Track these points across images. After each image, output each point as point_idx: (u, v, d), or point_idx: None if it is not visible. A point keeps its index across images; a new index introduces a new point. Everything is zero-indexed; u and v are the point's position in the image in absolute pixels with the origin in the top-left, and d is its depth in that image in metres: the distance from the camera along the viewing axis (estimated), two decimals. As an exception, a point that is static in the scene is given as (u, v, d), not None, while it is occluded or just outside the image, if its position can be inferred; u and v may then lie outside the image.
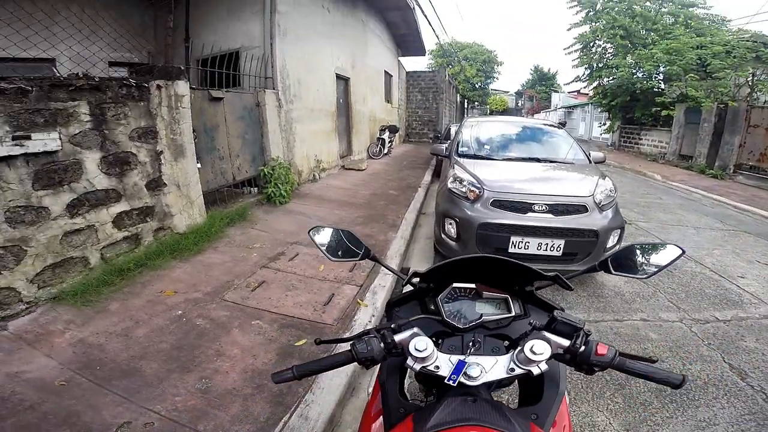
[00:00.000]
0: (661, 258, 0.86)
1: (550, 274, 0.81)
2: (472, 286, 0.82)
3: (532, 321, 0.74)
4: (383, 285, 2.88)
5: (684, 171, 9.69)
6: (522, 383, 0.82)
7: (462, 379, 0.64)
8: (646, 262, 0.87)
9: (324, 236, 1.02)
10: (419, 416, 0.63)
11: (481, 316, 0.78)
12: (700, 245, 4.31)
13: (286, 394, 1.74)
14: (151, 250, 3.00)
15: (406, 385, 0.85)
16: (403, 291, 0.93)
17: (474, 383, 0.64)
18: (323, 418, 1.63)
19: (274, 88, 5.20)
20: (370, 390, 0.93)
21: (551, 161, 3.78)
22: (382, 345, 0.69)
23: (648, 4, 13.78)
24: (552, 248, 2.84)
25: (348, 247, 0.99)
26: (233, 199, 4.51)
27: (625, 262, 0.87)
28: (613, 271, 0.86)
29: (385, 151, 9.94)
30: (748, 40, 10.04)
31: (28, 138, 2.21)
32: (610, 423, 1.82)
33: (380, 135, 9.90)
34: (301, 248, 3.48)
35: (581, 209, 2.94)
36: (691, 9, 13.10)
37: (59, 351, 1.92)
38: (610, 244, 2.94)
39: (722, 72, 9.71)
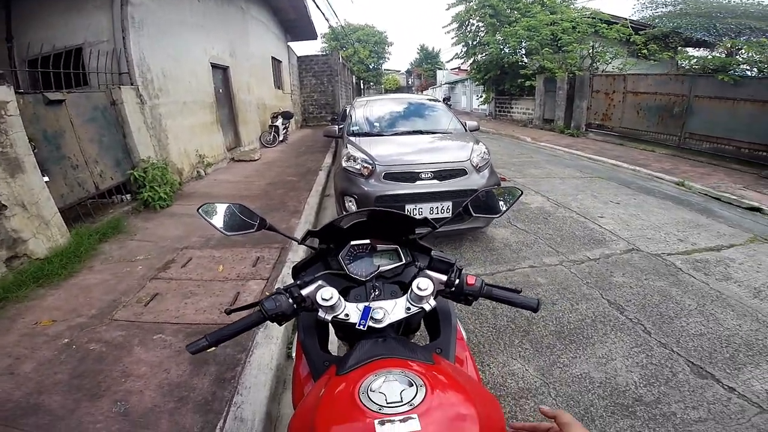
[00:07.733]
0: (508, 198, 1.00)
1: (419, 218, 0.92)
2: (367, 241, 0.91)
3: (417, 264, 0.86)
4: (290, 275, 2.67)
5: (548, 132, 11.27)
6: (428, 327, 0.93)
7: (370, 323, 0.72)
8: (497, 203, 1.00)
9: (215, 212, 0.98)
10: (340, 362, 0.69)
11: (378, 267, 0.88)
12: (567, 192, 5.04)
13: (212, 401, 1.66)
14: (8, 282, 2.56)
15: (332, 346, 0.92)
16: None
17: (381, 325, 0.72)
18: (260, 416, 1.58)
19: (132, 84, 4.57)
20: (294, 355, 0.96)
21: (433, 132, 4.09)
22: (290, 300, 0.75)
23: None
24: (442, 210, 3.07)
25: (242, 220, 0.97)
26: (102, 211, 4.03)
27: (481, 204, 0.98)
28: (473, 213, 0.96)
29: (281, 138, 9.44)
30: (588, 17, 11.70)
31: None
32: (526, 369, 1.92)
33: (273, 122, 9.32)
34: (194, 252, 3.21)
35: (461, 172, 3.22)
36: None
37: None
38: None
39: (570, 46, 11.17)
